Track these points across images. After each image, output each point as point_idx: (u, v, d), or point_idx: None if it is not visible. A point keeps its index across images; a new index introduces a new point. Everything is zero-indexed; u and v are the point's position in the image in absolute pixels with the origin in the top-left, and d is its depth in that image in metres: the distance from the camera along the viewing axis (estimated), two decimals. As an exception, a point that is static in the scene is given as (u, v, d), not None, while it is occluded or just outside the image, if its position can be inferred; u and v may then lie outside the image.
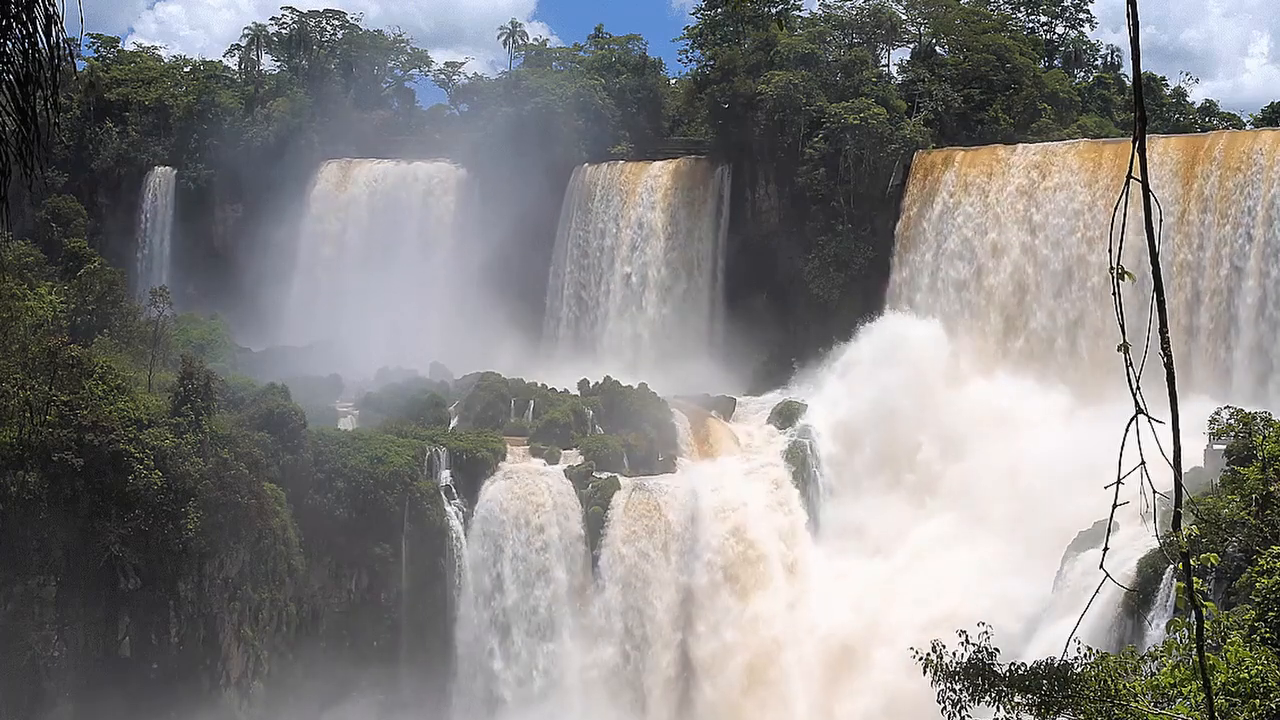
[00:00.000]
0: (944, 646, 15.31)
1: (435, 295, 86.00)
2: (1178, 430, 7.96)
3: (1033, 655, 16.75)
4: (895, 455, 65.80)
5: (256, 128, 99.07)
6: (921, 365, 66.60)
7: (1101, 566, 9.79)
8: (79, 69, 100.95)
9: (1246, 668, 15.78)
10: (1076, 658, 14.89)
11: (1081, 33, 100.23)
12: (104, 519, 55.63)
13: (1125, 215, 7.58)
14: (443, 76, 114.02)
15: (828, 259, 78.71)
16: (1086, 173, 69.16)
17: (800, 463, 66.37)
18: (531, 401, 71.67)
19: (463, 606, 61.82)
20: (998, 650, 15.32)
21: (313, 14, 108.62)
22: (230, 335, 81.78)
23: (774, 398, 74.93)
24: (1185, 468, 16.00)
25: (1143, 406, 7.78)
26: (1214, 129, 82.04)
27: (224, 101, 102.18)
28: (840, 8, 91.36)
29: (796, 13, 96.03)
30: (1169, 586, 43.63)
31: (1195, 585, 11.01)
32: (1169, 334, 8.26)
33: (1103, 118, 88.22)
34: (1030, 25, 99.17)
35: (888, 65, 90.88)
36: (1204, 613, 11.27)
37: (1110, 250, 7.65)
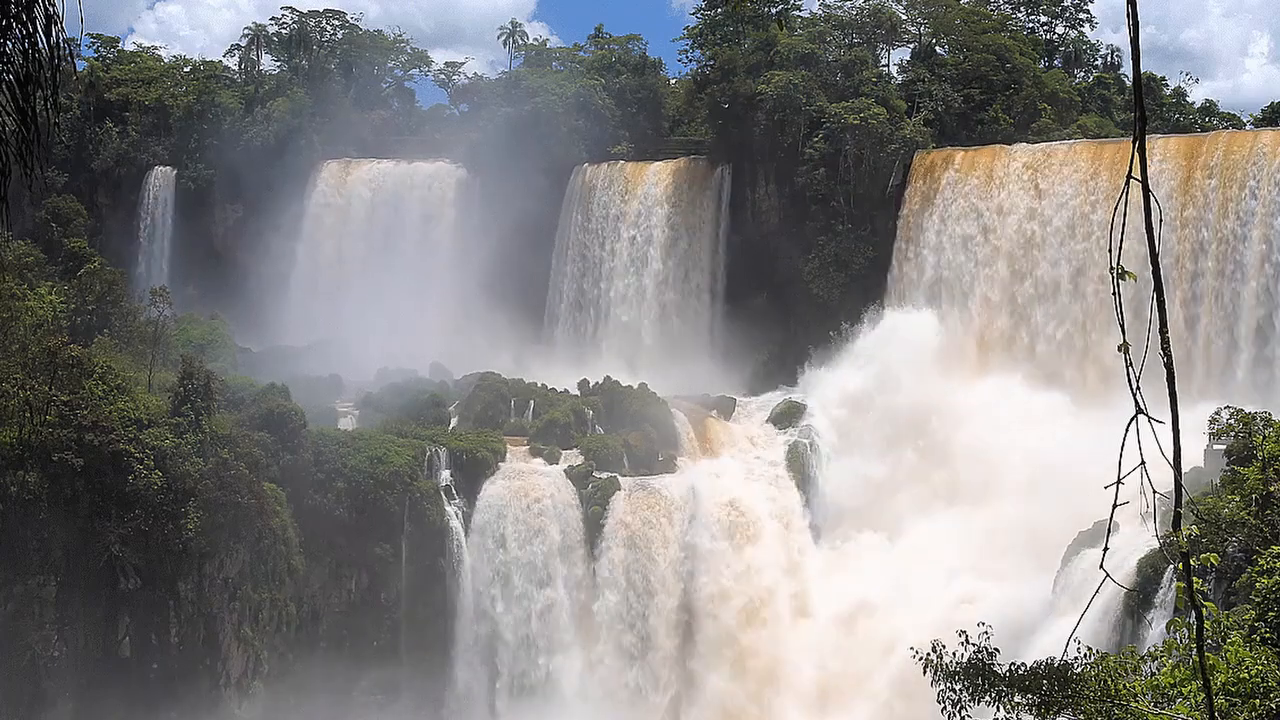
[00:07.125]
0: (944, 646, 15.31)
1: (435, 295, 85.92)
2: (1178, 430, 7.95)
3: (1033, 655, 16.74)
4: (897, 429, 67.69)
5: (256, 128, 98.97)
6: (917, 347, 69.40)
7: (1101, 566, 9.79)
8: (79, 69, 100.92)
9: (1246, 668, 15.80)
10: (1076, 658, 14.89)
11: (1081, 33, 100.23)
12: (104, 519, 55.61)
13: (1125, 215, 7.57)
14: (443, 76, 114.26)
15: (828, 259, 78.68)
16: (1090, 153, 70.80)
17: (800, 459, 67.42)
18: (531, 401, 71.66)
19: (463, 576, 62.42)
20: (998, 650, 15.32)
21: (313, 14, 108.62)
22: (230, 335, 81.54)
23: (774, 397, 75.04)
24: (1185, 468, 16.00)
25: (1143, 406, 7.77)
26: (1214, 129, 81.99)
27: (224, 101, 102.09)
28: (840, 8, 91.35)
29: (796, 13, 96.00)
30: (1169, 586, 43.66)
31: (1195, 585, 11.00)
32: (1169, 334, 8.25)
33: (1103, 118, 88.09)
34: (1030, 25, 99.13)
35: (888, 65, 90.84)
36: (1204, 613, 11.27)
37: (1110, 250, 7.64)
